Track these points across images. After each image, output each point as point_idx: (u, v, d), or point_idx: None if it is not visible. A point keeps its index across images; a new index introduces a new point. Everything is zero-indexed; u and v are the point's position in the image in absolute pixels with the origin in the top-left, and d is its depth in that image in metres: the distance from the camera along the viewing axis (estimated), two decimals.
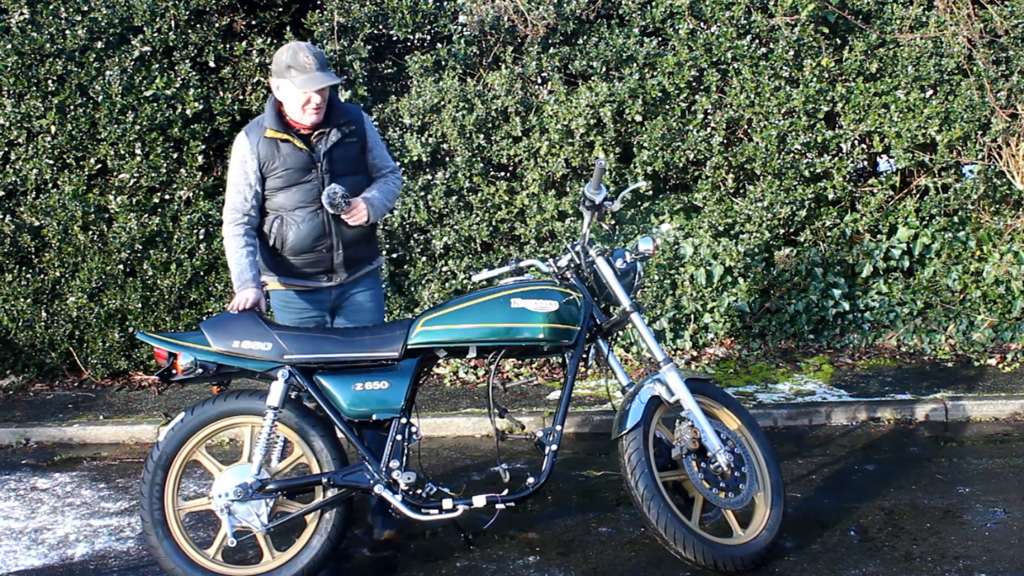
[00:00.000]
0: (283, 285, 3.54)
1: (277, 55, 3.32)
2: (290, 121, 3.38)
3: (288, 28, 5.77)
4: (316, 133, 3.40)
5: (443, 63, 5.77)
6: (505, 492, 3.24)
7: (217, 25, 5.68)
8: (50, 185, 5.64)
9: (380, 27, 5.83)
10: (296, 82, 3.25)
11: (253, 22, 5.86)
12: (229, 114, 5.68)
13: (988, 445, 4.51)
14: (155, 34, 5.56)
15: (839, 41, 6.00)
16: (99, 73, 5.56)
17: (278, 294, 3.57)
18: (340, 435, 3.27)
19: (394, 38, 5.95)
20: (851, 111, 5.81)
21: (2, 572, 3.49)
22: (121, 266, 5.64)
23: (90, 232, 5.61)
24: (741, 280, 5.86)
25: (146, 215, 5.61)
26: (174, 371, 3.14)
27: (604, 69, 5.75)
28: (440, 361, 3.40)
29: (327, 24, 5.65)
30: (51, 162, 5.59)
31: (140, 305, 5.62)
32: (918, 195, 6.05)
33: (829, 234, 5.97)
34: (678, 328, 5.88)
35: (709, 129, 5.90)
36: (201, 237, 5.65)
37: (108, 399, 5.53)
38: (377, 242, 3.81)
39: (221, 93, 5.71)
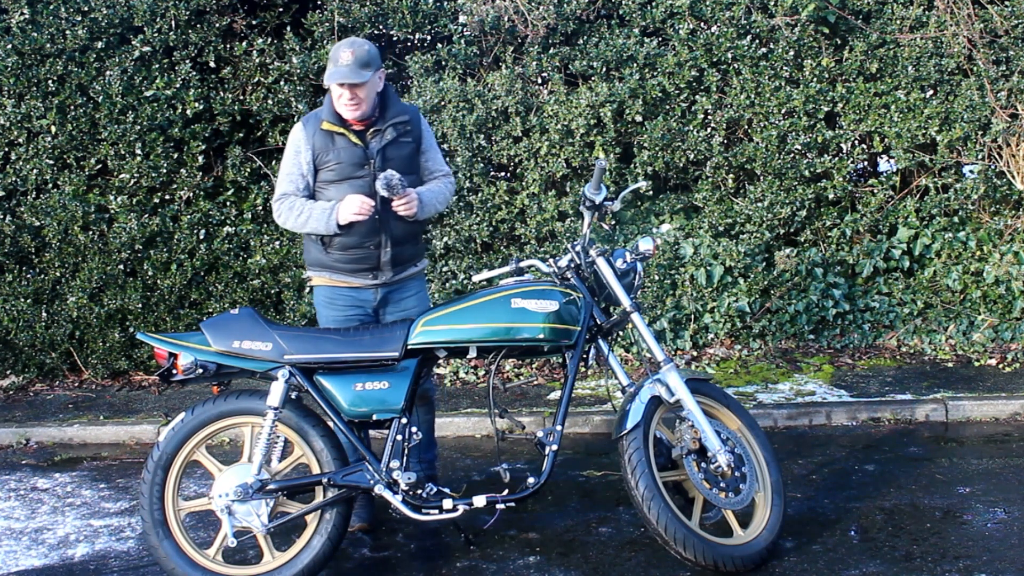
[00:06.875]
0: (329, 281, 3.54)
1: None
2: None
3: (288, 28, 5.78)
4: (371, 130, 3.41)
5: (443, 63, 5.77)
6: (505, 492, 3.24)
7: (217, 25, 5.67)
8: (50, 185, 5.64)
9: (380, 27, 5.83)
10: (326, 74, 3.30)
11: (253, 22, 5.85)
12: (229, 114, 5.68)
13: (988, 445, 4.51)
14: (155, 34, 5.56)
15: (839, 41, 5.99)
16: (99, 73, 5.56)
17: (322, 290, 3.58)
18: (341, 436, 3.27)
19: (394, 38, 5.95)
20: (851, 111, 5.81)
21: (2, 572, 3.49)
22: (121, 266, 5.63)
23: (90, 232, 5.61)
24: (741, 280, 5.86)
25: (146, 215, 5.61)
26: (174, 371, 3.15)
27: (604, 69, 5.75)
28: (440, 361, 3.40)
29: (327, 24, 5.66)
30: (51, 162, 5.59)
31: (140, 305, 5.61)
32: (918, 195, 6.05)
33: (829, 234, 5.97)
34: (678, 328, 5.88)
35: (709, 129, 5.90)
36: (201, 237, 5.65)
37: (108, 399, 5.53)
38: (424, 244, 3.75)
39: (221, 93, 5.71)
